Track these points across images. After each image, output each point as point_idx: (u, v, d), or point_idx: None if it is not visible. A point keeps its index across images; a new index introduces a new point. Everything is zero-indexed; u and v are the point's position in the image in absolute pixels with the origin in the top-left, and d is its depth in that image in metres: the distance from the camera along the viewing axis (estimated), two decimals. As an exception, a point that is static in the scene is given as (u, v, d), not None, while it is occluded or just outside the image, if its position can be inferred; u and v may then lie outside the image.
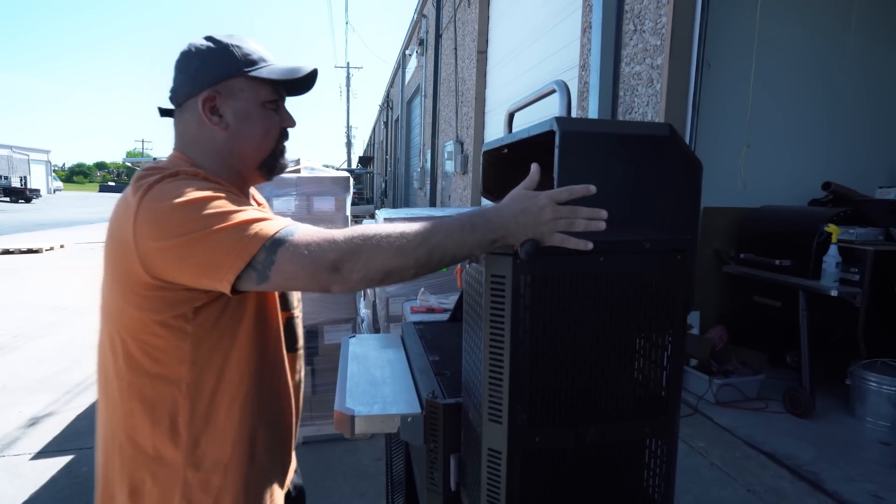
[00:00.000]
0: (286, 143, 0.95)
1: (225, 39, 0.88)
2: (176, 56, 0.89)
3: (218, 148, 0.89)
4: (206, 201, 0.75)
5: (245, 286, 0.76)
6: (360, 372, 1.45)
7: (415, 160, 15.15)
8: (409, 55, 13.90)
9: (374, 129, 36.47)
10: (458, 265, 3.38)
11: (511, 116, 1.75)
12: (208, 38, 0.88)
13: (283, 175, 3.45)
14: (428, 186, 10.75)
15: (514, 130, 1.50)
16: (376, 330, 3.60)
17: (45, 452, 2.70)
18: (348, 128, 42.23)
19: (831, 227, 2.77)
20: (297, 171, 3.77)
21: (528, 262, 0.84)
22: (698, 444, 2.66)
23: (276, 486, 0.97)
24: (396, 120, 20.86)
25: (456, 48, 8.52)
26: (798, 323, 2.89)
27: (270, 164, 0.94)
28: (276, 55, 0.95)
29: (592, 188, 0.86)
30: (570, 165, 1.16)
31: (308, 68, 0.90)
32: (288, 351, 1.01)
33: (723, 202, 3.45)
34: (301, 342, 1.10)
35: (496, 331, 0.89)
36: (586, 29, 3.78)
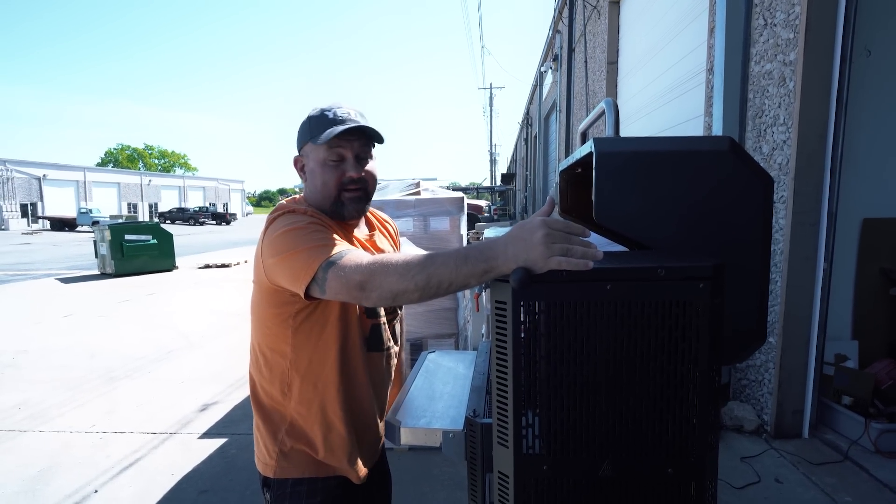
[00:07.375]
0: (356, 193, 1.14)
1: (312, 112, 1.13)
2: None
3: (309, 194, 1.18)
4: (299, 231, 1.01)
5: (315, 294, 0.97)
6: (424, 386, 1.54)
7: (552, 175, 15.00)
8: (545, 72, 13.87)
9: (515, 146, 36.86)
10: (476, 291, 3.31)
11: (584, 136, 1.73)
12: (310, 113, 1.14)
13: (403, 197, 3.72)
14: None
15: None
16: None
17: (208, 434, 3.26)
18: (491, 146, 43.23)
19: None
20: (417, 193, 4.03)
21: (520, 290, 0.86)
22: (844, 499, 2.25)
23: (346, 448, 1.18)
24: (535, 136, 20.85)
25: (586, 61, 8.33)
26: None
27: (335, 209, 1.14)
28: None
29: (587, 233, 0.86)
30: (609, 186, 1.14)
31: (347, 126, 1.09)
32: (372, 350, 1.22)
33: (884, 213, 2.88)
34: (389, 343, 1.28)
35: (500, 354, 0.92)
36: (713, 29, 3.48)
